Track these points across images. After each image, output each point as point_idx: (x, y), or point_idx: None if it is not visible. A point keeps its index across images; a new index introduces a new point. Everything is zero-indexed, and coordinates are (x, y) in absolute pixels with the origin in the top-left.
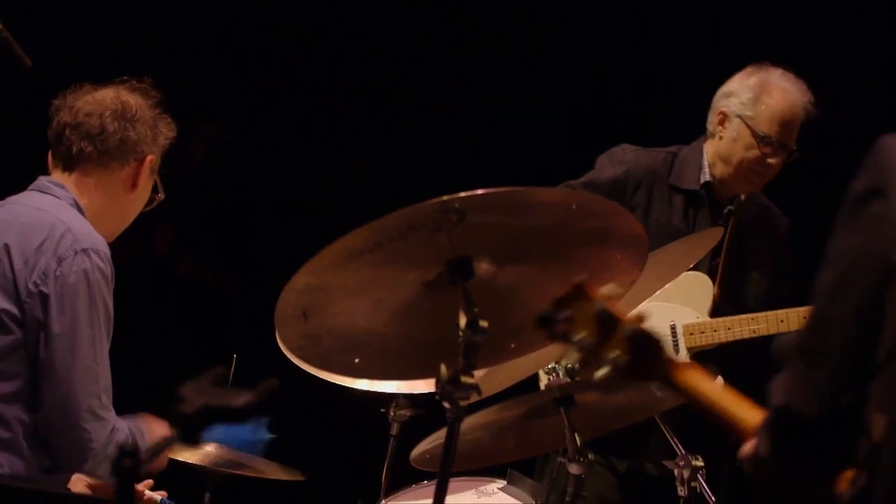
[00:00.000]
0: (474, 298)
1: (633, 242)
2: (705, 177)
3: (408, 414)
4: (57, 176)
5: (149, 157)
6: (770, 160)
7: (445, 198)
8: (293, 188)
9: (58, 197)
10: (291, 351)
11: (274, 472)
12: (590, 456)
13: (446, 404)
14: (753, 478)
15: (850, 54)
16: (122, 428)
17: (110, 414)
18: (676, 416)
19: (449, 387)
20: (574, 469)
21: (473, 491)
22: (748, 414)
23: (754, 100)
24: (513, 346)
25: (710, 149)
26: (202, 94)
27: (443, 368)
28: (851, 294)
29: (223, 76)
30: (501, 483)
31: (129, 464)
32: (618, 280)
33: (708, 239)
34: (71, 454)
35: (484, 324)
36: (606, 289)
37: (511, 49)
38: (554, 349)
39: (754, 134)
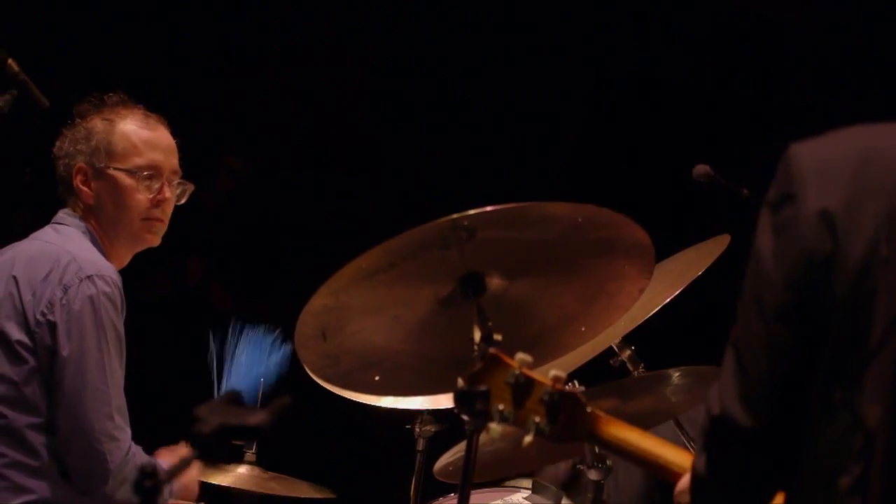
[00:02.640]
0: (488, 313)
1: (640, 252)
2: None
3: (433, 429)
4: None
5: (76, 167)
6: None
7: (455, 216)
8: (321, 215)
9: (70, 226)
10: (313, 371)
11: (306, 490)
12: (608, 462)
13: (465, 417)
14: None
15: None
16: (139, 451)
17: (125, 434)
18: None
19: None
20: (593, 475)
21: (500, 501)
22: (677, 456)
23: None
24: None
25: None
26: (225, 128)
27: (460, 382)
28: (772, 296)
29: (245, 113)
30: (526, 493)
31: (150, 484)
32: (627, 289)
33: (716, 245)
34: (88, 476)
35: (498, 337)
36: (520, 356)
37: (515, 67)
38: (573, 357)
39: None
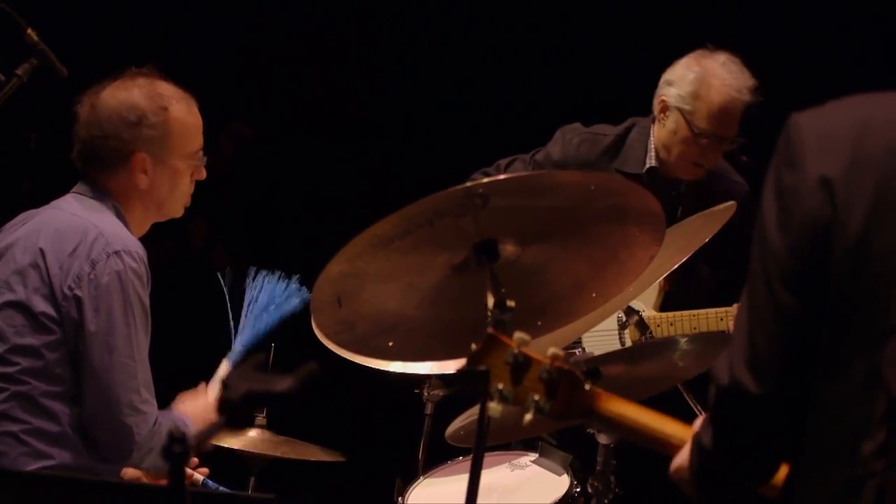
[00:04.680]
0: (501, 279)
1: (651, 219)
2: (651, 161)
3: (441, 393)
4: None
5: (136, 156)
6: (709, 152)
7: (470, 184)
8: (323, 181)
9: (94, 199)
10: (328, 337)
11: (316, 454)
12: None
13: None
14: (686, 490)
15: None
16: (166, 421)
17: (152, 408)
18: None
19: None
20: (604, 439)
21: (507, 465)
22: (677, 430)
23: (693, 95)
24: (539, 323)
25: (655, 132)
26: (229, 93)
27: (473, 348)
28: (776, 263)
29: (249, 75)
30: (534, 456)
31: (179, 450)
32: (637, 256)
33: (724, 211)
34: (115, 448)
35: (511, 303)
36: (518, 335)
37: (525, 42)
38: (583, 322)
39: (692, 128)
